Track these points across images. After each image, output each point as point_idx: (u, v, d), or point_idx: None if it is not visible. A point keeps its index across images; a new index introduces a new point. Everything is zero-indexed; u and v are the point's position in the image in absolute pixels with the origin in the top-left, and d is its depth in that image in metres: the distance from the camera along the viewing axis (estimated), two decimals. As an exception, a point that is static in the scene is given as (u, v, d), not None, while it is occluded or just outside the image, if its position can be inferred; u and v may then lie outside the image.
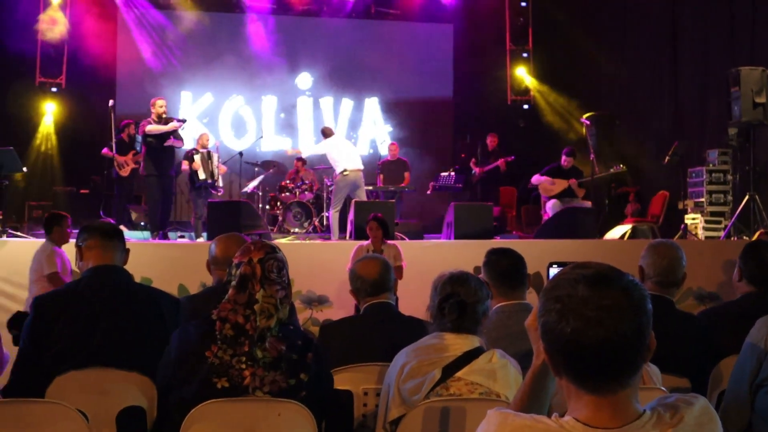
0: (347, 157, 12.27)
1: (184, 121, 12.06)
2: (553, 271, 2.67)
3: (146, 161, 11.86)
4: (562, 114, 16.75)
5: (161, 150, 11.78)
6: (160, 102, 11.99)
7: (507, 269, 4.21)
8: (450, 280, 3.53)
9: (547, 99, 17.45)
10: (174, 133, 11.87)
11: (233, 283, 3.28)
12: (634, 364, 1.82)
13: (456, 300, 3.43)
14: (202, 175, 12.58)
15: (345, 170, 12.09)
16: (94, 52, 16.01)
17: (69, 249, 7.52)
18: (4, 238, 9.53)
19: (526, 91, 17.87)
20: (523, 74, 17.91)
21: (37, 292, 6.78)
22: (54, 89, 15.80)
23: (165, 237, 11.55)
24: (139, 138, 13.96)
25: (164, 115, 11.89)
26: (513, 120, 17.65)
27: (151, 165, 11.74)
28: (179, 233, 12.42)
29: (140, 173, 12.38)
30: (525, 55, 17.92)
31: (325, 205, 14.26)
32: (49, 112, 15.86)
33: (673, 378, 3.86)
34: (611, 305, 1.78)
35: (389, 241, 8.91)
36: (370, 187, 13.91)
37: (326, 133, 12.78)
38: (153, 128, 11.64)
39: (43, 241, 8.10)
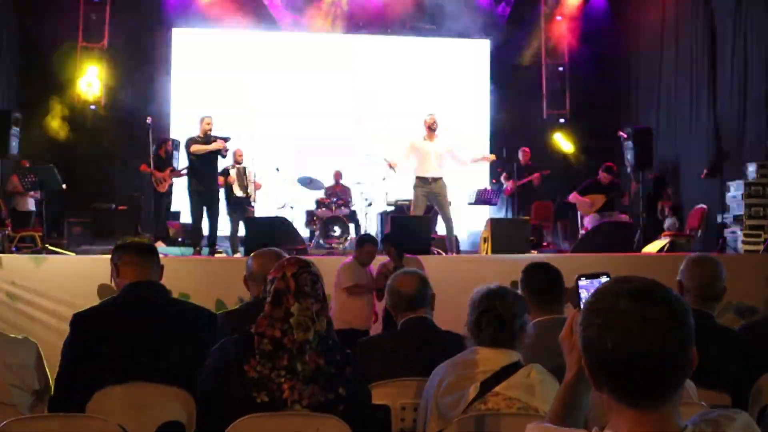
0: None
1: (226, 139, 12.09)
2: (582, 283, 2.67)
3: (189, 178, 11.98)
4: (598, 128, 16.65)
5: (204, 167, 11.86)
6: (206, 119, 12.08)
7: (544, 284, 4.22)
8: (487, 295, 3.53)
9: (584, 114, 17.36)
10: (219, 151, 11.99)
11: (268, 298, 3.31)
12: (676, 380, 1.80)
13: (493, 314, 3.43)
14: (237, 191, 12.65)
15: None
16: (134, 69, 16.17)
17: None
18: (44, 254, 9.62)
19: (562, 104, 17.77)
20: (558, 89, 17.81)
21: None
22: (93, 107, 15.94)
23: (212, 253, 11.62)
24: (176, 154, 14.10)
25: (209, 133, 11.98)
26: (549, 134, 17.54)
27: (192, 182, 11.85)
28: (216, 248, 12.48)
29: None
30: (561, 69, 17.84)
31: (360, 220, 14.28)
32: (88, 129, 15.99)
33: (713, 393, 3.82)
34: (654, 319, 1.77)
35: (409, 255, 8.80)
36: (407, 201, 13.90)
37: None
38: (197, 148, 11.74)
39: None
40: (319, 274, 3.39)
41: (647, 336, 1.75)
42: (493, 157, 12.11)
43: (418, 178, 11.75)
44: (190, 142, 11.82)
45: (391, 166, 11.90)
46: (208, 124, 12.02)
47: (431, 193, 11.66)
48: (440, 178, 11.73)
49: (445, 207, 11.72)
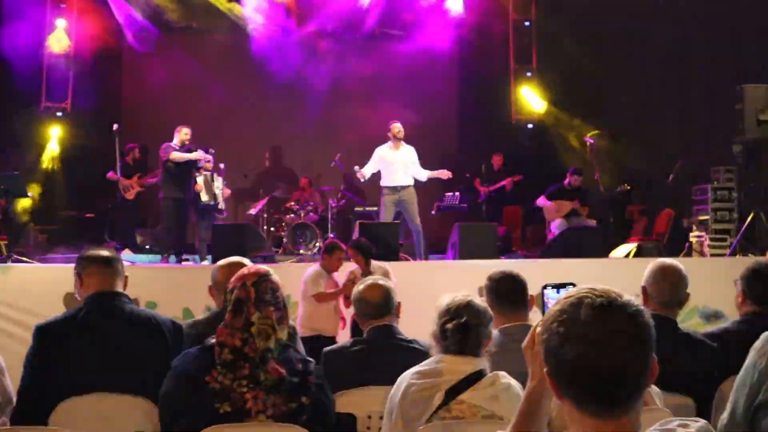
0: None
1: (208, 151, 12.14)
2: (548, 293, 2.68)
3: (164, 185, 11.97)
4: (567, 133, 16.71)
5: (180, 175, 11.90)
6: (185, 130, 12.09)
7: (508, 291, 4.22)
8: (453, 303, 3.52)
9: (552, 118, 17.39)
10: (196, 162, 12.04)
11: (229, 307, 3.31)
12: (637, 390, 1.81)
13: (459, 322, 3.43)
14: (204, 197, 12.60)
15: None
16: (99, 76, 16.05)
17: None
18: (9, 263, 9.53)
19: (530, 110, 17.78)
20: (527, 94, 17.80)
21: None
22: (59, 114, 15.82)
23: (179, 261, 11.56)
24: (144, 162, 14.03)
25: (187, 143, 11.99)
26: (517, 139, 17.57)
27: (168, 189, 11.85)
28: (183, 256, 12.42)
29: (159, 196, 12.33)
30: (529, 74, 17.86)
31: (329, 226, 14.24)
32: (54, 137, 15.86)
33: (677, 398, 3.85)
34: (615, 330, 1.77)
35: (377, 262, 8.78)
36: (375, 208, 13.87)
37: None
38: (178, 156, 11.77)
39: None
40: (279, 283, 3.39)
41: (608, 346, 1.76)
42: (449, 173, 12.04)
43: (386, 187, 11.68)
44: (170, 149, 11.80)
45: (359, 175, 11.81)
46: (186, 134, 12.04)
47: (399, 200, 11.61)
48: (409, 186, 11.66)
49: (413, 214, 11.66)
